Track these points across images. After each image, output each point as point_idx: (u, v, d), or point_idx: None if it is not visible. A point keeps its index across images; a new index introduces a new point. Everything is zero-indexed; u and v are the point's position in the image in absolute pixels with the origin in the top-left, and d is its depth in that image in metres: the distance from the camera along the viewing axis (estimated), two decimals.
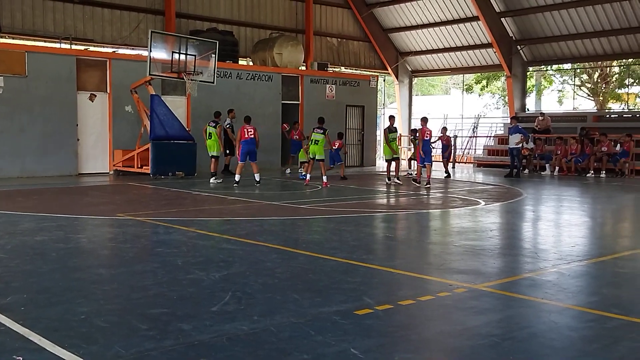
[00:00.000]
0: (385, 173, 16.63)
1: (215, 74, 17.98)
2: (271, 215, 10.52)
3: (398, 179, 16.12)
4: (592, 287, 6.06)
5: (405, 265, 6.85)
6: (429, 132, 15.88)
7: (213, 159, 16.11)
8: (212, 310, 4.84)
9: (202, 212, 10.79)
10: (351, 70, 28.12)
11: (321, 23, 27.15)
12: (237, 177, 15.10)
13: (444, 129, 21.30)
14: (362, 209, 11.56)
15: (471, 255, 7.39)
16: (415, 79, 32.83)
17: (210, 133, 16.29)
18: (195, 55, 17.38)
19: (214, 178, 15.73)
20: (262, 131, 21.07)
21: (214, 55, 17.78)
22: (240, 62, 23.14)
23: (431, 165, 15.84)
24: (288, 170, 19.73)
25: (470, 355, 4.12)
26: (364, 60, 29.25)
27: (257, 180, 15.19)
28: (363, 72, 28.32)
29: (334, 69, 26.43)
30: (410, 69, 30.82)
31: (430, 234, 9.51)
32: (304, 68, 24.28)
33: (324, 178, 15.26)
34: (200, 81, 17.60)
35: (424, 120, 16.02)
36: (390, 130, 16.34)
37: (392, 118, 16.96)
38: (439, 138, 21.14)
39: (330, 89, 23.77)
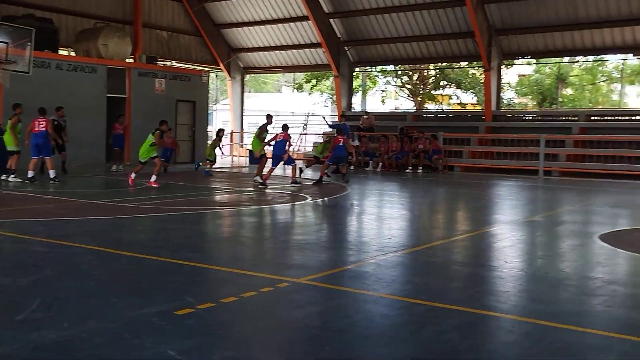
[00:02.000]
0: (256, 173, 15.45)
1: (32, 64, 16.67)
2: (91, 214, 9.97)
3: (261, 178, 15.05)
4: (405, 276, 6.46)
5: (230, 262, 6.83)
6: (282, 135, 15.05)
7: (11, 155, 14.54)
8: (17, 319, 4.46)
9: (11, 213, 9.95)
10: (182, 65, 27.54)
11: (150, 15, 26.27)
12: (29, 174, 13.98)
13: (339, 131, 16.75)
14: (190, 206, 11.36)
15: (296, 250, 7.55)
16: (247, 75, 32.95)
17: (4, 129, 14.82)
18: (7, 43, 15.96)
19: (12, 176, 14.38)
20: (85, 126, 20.03)
21: (30, 44, 16.47)
22: (61, 52, 21.69)
23: (273, 169, 15.17)
24: (114, 168, 18.82)
25: (288, 348, 4.20)
26: (195, 55, 28.77)
27: (52, 177, 14.01)
28: (194, 67, 27.86)
29: (164, 63, 25.69)
30: (242, 66, 30.85)
31: (257, 230, 9.57)
32: (131, 60, 23.34)
33: (152, 177, 14.50)
34: (13, 71, 16.21)
35: (284, 127, 15.41)
36: (263, 130, 15.72)
37: (269, 117, 16.14)
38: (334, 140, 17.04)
39: (160, 83, 23.07)
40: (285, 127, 15.56)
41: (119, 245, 7.46)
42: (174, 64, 27.18)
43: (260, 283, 5.76)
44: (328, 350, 4.06)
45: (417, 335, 4.41)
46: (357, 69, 29.55)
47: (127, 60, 22.69)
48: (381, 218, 10.96)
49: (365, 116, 25.60)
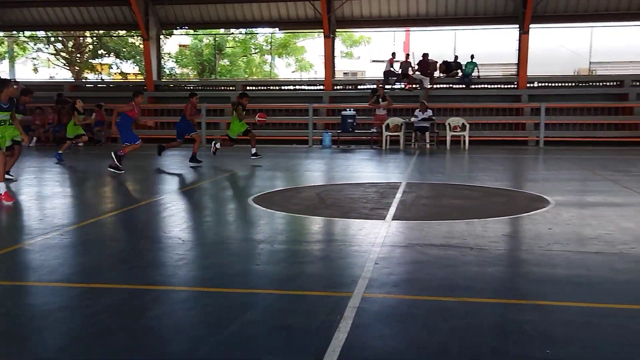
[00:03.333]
0: None
1: None
2: None
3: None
4: (58, 259, 5.95)
5: None
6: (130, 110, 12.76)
7: None
8: None
9: None
10: None
11: None
12: None
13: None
14: None
15: None
16: None
17: None
18: None
19: None
20: None
21: None
22: None
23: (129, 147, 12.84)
24: None
25: None
26: None
27: None
28: None
29: None
30: None
31: None
32: None
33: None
34: None
35: (137, 94, 12.89)
36: None
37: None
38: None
39: None
40: (137, 94, 12.99)
41: None
42: None
43: None
44: None
45: (66, 321, 4.12)
46: (1, 34, 26.47)
47: None
48: (35, 198, 10.05)
49: (15, 86, 23.11)
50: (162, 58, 28.02)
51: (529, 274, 5.36)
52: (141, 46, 26.87)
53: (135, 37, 29.76)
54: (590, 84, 22.79)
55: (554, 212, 8.02)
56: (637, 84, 22.02)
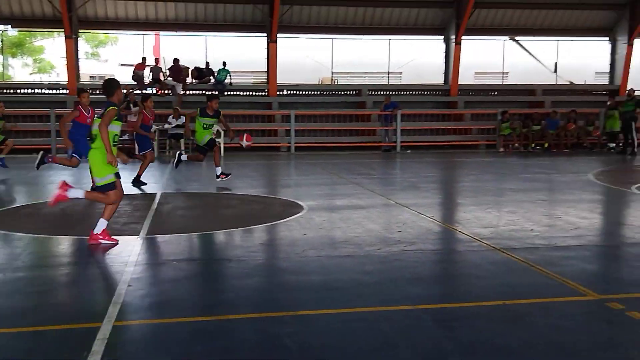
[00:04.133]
0: None
1: None
2: None
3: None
4: None
5: None
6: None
7: None
8: None
9: None
10: None
11: None
12: None
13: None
14: None
15: None
16: None
17: None
18: None
19: None
20: None
21: None
22: None
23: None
24: None
25: None
26: None
27: None
28: None
29: None
30: None
31: None
32: None
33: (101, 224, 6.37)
34: None
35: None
36: None
37: None
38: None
39: None
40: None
41: None
42: None
43: None
44: None
45: None
46: None
47: None
48: None
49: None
50: None
51: (287, 283, 5.38)
52: None
53: None
54: (333, 92, 24.40)
55: (307, 217, 8.27)
56: (373, 93, 24.11)
